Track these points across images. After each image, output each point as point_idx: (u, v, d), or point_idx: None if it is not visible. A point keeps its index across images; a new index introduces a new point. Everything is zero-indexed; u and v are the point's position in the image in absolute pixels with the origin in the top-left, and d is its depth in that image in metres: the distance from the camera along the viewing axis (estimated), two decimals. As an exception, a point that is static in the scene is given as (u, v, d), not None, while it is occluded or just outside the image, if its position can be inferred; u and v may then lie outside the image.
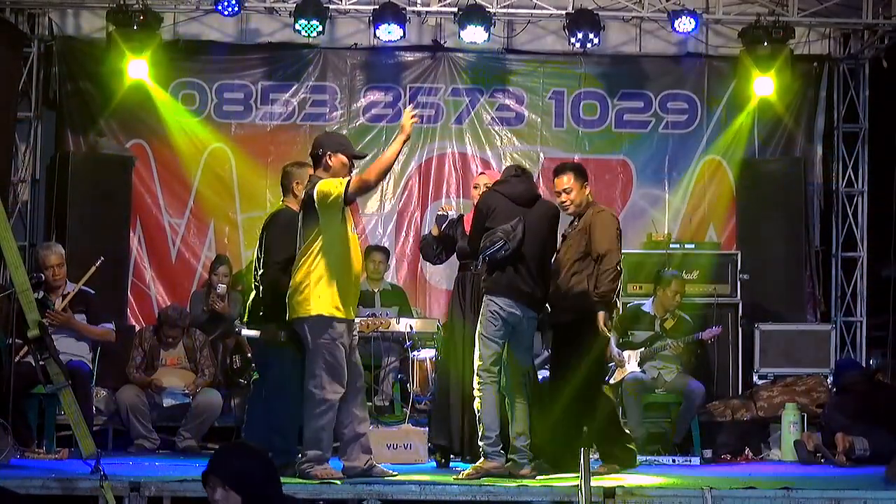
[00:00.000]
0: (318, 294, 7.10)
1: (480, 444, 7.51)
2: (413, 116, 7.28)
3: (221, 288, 10.23)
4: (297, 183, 7.69)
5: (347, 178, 7.15)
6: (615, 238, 7.77)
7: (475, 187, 8.31)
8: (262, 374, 7.81)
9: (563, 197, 7.88)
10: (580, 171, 7.96)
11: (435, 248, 8.41)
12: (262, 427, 7.65)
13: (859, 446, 8.79)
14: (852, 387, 9.41)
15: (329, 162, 7.29)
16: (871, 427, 8.97)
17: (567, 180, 7.85)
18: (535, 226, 7.60)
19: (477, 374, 7.54)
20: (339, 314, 7.16)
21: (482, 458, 7.51)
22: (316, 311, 7.11)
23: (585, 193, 7.91)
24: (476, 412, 7.57)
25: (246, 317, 7.94)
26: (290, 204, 7.71)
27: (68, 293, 8.91)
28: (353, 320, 7.41)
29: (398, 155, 7.26)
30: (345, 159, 7.34)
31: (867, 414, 9.08)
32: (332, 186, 7.10)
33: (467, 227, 8.20)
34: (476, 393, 7.55)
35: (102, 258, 9.04)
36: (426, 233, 8.59)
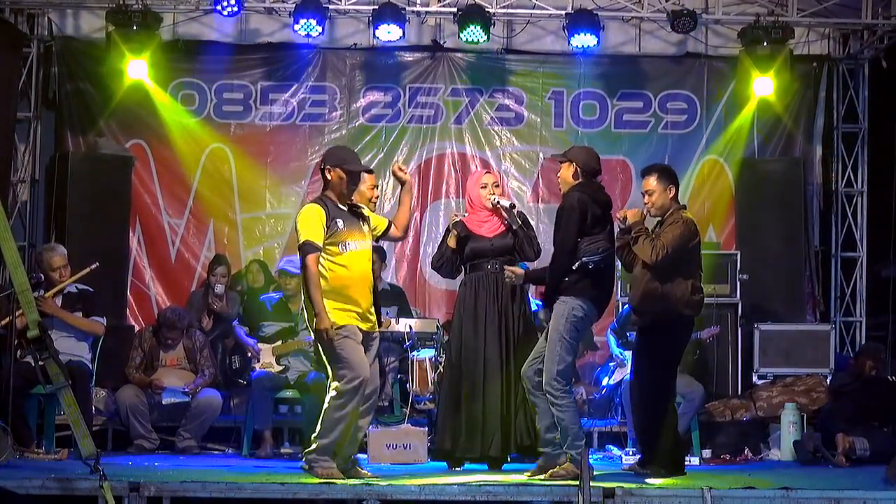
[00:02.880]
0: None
1: (571, 452, 7.40)
2: (402, 170, 7.69)
3: (219, 288, 10.23)
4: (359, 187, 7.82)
5: (310, 242, 7.20)
6: (677, 237, 7.70)
7: (483, 187, 8.21)
8: None
9: (646, 199, 7.92)
10: (665, 174, 7.94)
11: (455, 261, 8.26)
12: None
13: (860, 446, 8.79)
14: (844, 389, 9.39)
15: (328, 176, 7.41)
16: (871, 427, 8.97)
17: (651, 182, 7.88)
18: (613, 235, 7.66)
19: (554, 380, 7.39)
20: (341, 321, 7.26)
21: (570, 464, 7.38)
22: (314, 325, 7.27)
23: (669, 196, 7.88)
24: (558, 421, 7.44)
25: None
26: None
27: (66, 291, 8.91)
28: (366, 330, 7.42)
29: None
30: (342, 173, 7.40)
31: (863, 415, 9.08)
32: (301, 232, 7.26)
33: (473, 228, 8.18)
34: (555, 399, 7.40)
35: (98, 264, 9.00)
36: (441, 250, 8.40)
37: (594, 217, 7.47)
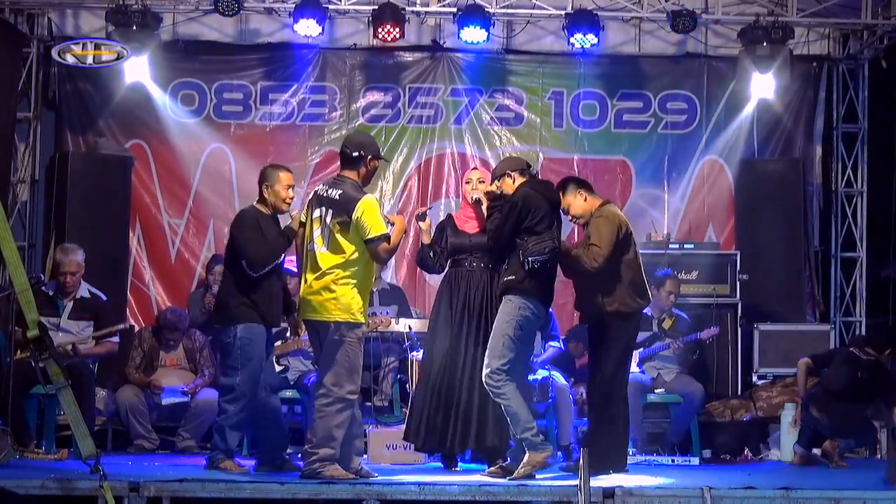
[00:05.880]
0: (351, 299, 7.23)
1: (524, 436, 7.48)
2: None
3: (217, 287, 10.21)
4: (267, 186, 7.88)
5: (386, 234, 7.26)
6: (605, 236, 7.77)
7: (467, 182, 8.27)
8: (249, 372, 7.80)
9: (569, 216, 8.05)
10: (570, 185, 8.04)
11: (433, 256, 8.27)
12: (240, 424, 7.90)
13: (844, 447, 8.93)
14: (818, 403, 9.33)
15: (368, 166, 7.45)
16: (849, 423, 9.01)
17: (566, 203, 7.97)
18: (559, 233, 7.69)
19: (493, 373, 7.46)
20: (364, 319, 7.34)
21: (529, 453, 7.48)
22: (351, 316, 7.24)
23: (583, 200, 7.97)
24: (505, 409, 7.51)
25: (217, 318, 8.05)
26: (258, 204, 7.90)
27: (78, 296, 8.95)
28: None
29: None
30: (378, 163, 7.49)
31: (839, 415, 9.04)
32: (373, 227, 7.23)
33: (459, 223, 8.22)
34: (497, 391, 7.47)
35: (125, 325, 9.34)
36: (420, 246, 8.46)
37: (541, 215, 7.51)
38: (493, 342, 7.54)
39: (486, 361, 7.54)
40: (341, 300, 7.21)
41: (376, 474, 7.45)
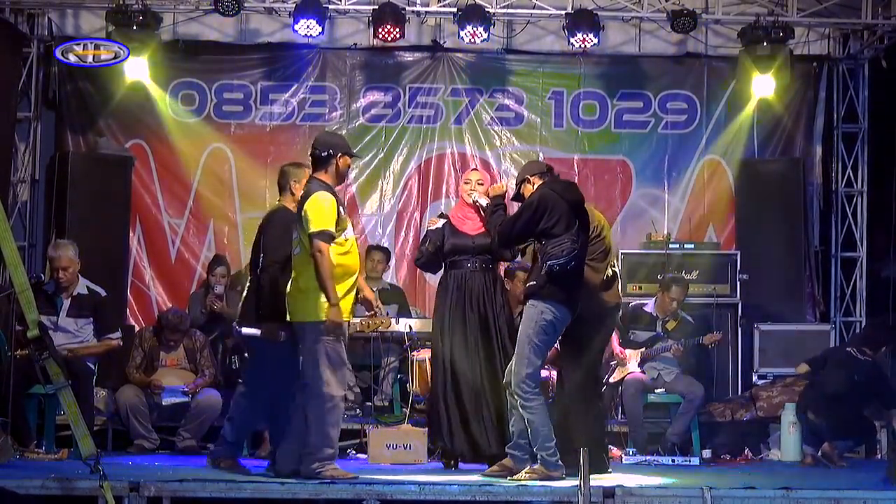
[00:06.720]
0: (320, 297, 7.09)
1: (541, 453, 7.39)
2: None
3: (219, 288, 10.23)
4: (295, 182, 7.73)
5: (328, 231, 7.04)
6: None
7: (466, 183, 8.25)
8: (256, 370, 7.78)
9: None
10: None
11: (437, 258, 8.25)
12: (247, 421, 7.90)
13: (843, 448, 8.99)
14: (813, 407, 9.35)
15: (339, 164, 7.32)
16: (846, 424, 9.06)
17: None
18: (585, 233, 7.58)
19: (523, 382, 7.34)
20: (344, 315, 7.20)
21: (541, 466, 7.39)
22: (323, 316, 7.10)
23: None
24: (529, 423, 7.38)
25: (239, 315, 7.96)
26: (287, 203, 7.74)
27: (76, 293, 8.94)
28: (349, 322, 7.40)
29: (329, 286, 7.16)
30: (349, 161, 7.38)
31: (835, 418, 9.06)
32: (315, 220, 7.04)
33: (456, 223, 8.19)
34: (525, 402, 7.35)
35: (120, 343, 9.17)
36: (421, 250, 8.46)
37: (557, 216, 7.38)
38: (518, 349, 7.45)
39: (514, 369, 7.43)
40: (311, 299, 7.09)
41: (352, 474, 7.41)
